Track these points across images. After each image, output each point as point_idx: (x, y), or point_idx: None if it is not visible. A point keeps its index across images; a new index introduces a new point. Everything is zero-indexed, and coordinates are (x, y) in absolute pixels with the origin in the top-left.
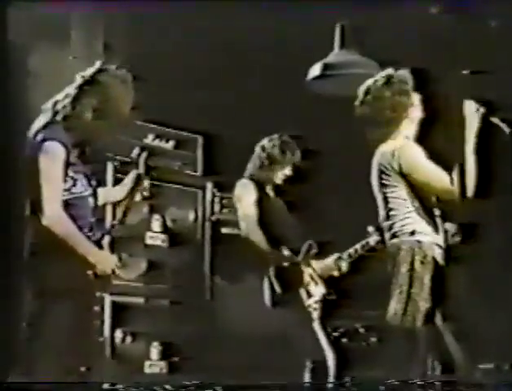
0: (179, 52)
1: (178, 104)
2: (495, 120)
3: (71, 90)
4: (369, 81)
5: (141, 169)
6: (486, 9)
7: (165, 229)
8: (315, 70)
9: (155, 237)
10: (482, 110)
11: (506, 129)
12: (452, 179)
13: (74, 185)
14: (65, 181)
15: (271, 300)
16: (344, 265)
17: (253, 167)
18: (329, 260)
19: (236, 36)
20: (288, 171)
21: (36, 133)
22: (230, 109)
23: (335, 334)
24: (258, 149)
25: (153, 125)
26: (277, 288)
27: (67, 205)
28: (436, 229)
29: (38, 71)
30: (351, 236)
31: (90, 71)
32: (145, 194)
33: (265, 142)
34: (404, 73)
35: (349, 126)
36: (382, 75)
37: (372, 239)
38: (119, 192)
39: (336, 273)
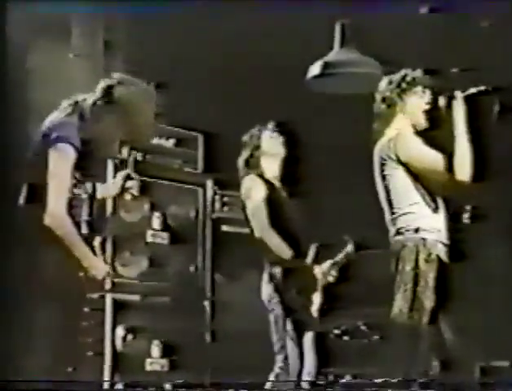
0: (180, 52)
1: (179, 103)
2: (471, 91)
3: (92, 97)
4: (385, 81)
5: (130, 169)
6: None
7: (166, 227)
8: (316, 69)
9: (156, 235)
10: (460, 93)
11: (483, 88)
12: (445, 159)
13: (75, 186)
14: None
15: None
16: (334, 273)
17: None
18: (325, 265)
19: (236, 36)
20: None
21: (50, 130)
22: (230, 108)
23: (337, 332)
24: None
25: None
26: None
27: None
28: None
29: (39, 68)
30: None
31: (107, 83)
32: (134, 193)
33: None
34: (420, 75)
35: (349, 124)
36: (399, 75)
37: (350, 247)
38: (111, 188)
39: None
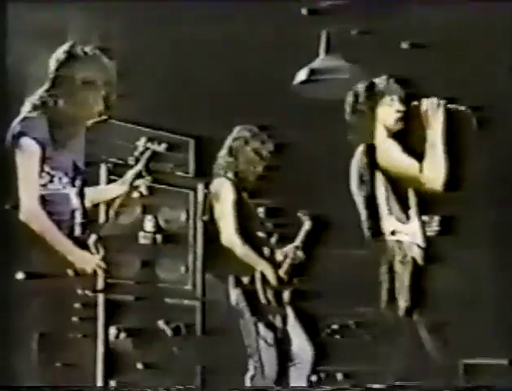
0: (173, 58)
1: (171, 108)
2: (453, 106)
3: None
4: (351, 94)
5: (141, 166)
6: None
7: (158, 229)
8: (302, 75)
9: (148, 236)
10: (442, 103)
11: (464, 108)
12: (421, 166)
13: (51, 181)
14: (41, 177)
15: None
16: (300, 255)
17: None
18: (288, 248)
19: (227, 42)
20: (260, 166)
21: (15, 127)
22: (220, 113)
23: (328, 331)
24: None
25: (146, 128)
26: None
27: (43, 201)
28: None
29: (35, 74)
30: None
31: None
32: (143, 191)
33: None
34: (388, 83)
35: (335, 129)
36: (364, 85)
37: (307, 224)
38: (117, 189)
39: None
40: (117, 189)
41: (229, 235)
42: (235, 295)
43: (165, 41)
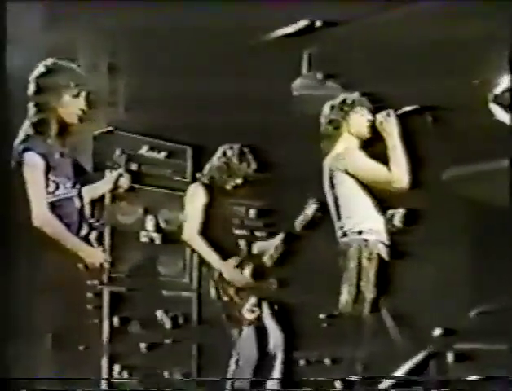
0: (176, 73)
1: (171, 119)
2: (401, 111)
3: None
4: (328, 106)
5: (122, 169)
6: None
7: (158, 228)
8: None
9: (149, 235)
10: (392, 112)
11: (409, 108)
12: (388, 168)
13: (57, 188)
14: (48, 185)
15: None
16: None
17: (211, 169)
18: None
19: (226, 58)
20: (239, 180)
21: (17, 146)
22: (215, 124)
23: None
24: (219, 153)
25: (147, 138)
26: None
27: (53, 207)
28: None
29: None
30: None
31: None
32: (125, 187)
33: (227, 148)
34: (357, 97)
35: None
36: (339, 100)
37: (311, 208)
38: (104, 186)
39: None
40: (103, 187)
41: (191, 232)
42: (213, 289)
43: (166, 57)
